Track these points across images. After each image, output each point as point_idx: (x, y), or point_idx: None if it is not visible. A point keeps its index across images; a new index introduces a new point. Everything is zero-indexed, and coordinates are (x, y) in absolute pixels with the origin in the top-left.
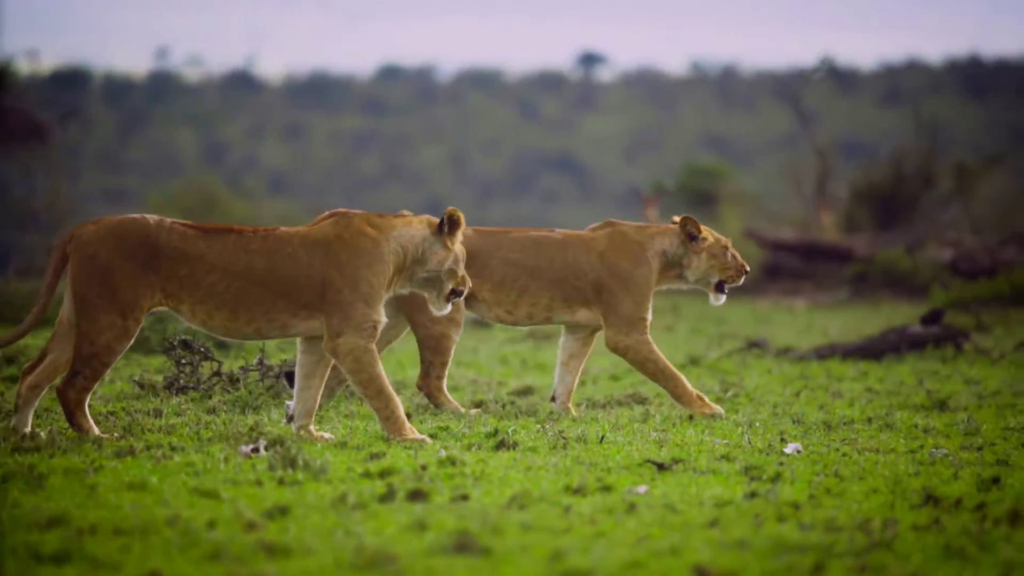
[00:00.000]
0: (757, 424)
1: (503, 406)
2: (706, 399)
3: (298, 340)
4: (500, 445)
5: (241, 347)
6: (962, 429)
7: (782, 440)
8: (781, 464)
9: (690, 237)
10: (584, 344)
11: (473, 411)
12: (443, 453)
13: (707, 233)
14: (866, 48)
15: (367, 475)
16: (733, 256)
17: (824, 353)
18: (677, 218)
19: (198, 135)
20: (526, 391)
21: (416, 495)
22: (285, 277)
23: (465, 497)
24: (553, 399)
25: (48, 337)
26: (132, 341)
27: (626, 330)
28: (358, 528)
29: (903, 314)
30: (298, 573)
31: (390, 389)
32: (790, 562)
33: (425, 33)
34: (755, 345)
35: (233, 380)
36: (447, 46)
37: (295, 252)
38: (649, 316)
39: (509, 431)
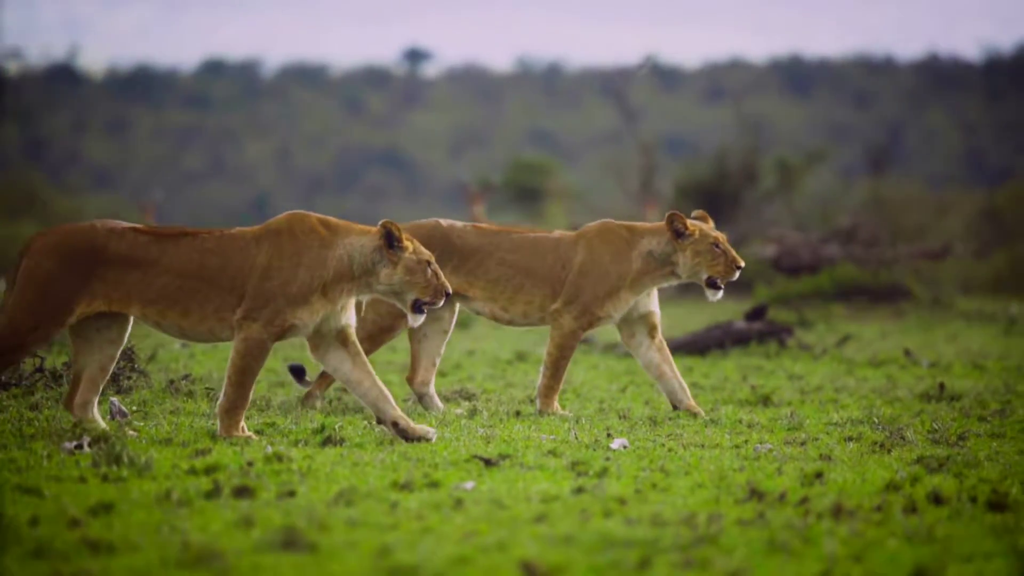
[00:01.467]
0: (583, 420)
1: (330, 402)
2: (559, 409)
3: (318, 346)
4: (327, 441)
5: (63, 343)
6: (785, 424)
7: (608, 435)
8: (607, 459)
9: (676, 234)
10: (660, 351)
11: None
12: (269, 449)
13: (694, 228)
14: (690, 46)
15: (193, 471)
16: (724, 252)
17: None
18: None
19: (19, 129)
20: None
21: (242, 491)
22: (234, 271)
23: (292, 493)
24: (675, 408)
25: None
26: (46, 344)
27: (575, 312)
28: (183, 525)
29: (727, 310)
30: (123, 570)
31: (250, 389)
32: (616, 557)
33: (248, 27)
34: (582, 341)
35: (56, 376)
36: (271, 40)
37: (246, 246)
38: (604, 314)
39: (336, 427)
